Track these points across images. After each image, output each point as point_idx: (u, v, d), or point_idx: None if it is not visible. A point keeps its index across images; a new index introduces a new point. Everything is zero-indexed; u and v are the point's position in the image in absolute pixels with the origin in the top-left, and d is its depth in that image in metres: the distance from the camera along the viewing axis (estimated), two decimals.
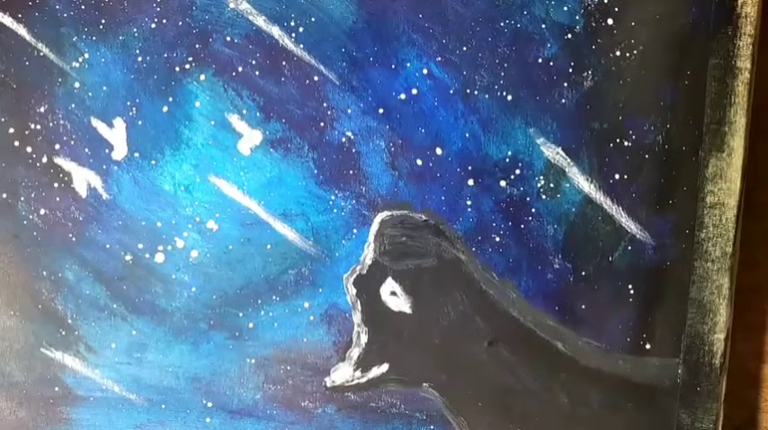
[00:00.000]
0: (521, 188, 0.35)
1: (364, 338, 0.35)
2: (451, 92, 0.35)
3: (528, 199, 0.35)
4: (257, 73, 0.35)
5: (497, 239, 0.35)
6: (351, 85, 0.35)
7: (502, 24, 0.35)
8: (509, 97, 0.35)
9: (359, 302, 0.35)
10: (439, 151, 0.35)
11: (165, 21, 0.35)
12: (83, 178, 0.35)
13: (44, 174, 0.35)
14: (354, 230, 0.35)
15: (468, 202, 0.35)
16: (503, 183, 0.35)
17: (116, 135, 0.35)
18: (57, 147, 0.35)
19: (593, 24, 0.35)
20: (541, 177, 0.35)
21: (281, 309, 0.35)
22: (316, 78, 0.35)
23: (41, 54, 0.35)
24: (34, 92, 0.35)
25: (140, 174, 0.35)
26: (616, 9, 0.34)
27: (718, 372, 0.35)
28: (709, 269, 0.35)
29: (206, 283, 0.35)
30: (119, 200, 0.35)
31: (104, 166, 0.35)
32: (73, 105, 0.35)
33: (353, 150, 0.35)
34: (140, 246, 0.35)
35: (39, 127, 0.35)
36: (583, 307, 0.35)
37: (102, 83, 0.35)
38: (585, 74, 0.35)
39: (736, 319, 0.36)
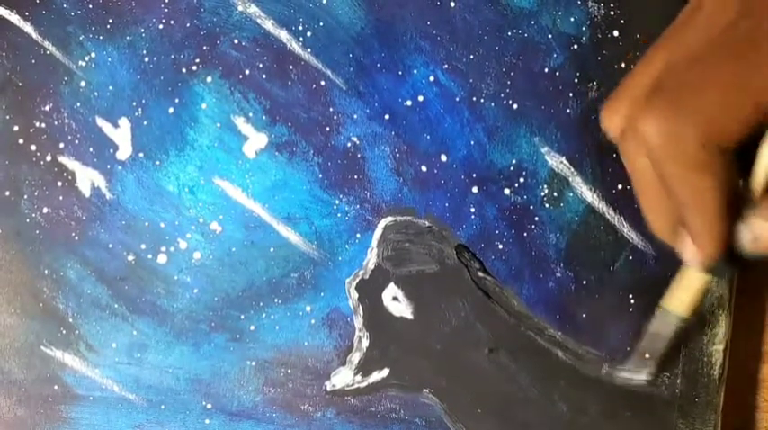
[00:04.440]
0: (524, 196, 0.35)
1: (365, 343, 0.35)
2: (458, 99, 0.35)
3: (531, 207, 0.35)
4: (264, 76, 0.35)
5: (500, 247, 0.35)
6: (357, 91, 0.35)
7: (509, 33, 0.35)
8: (515, 106, 0.35)
9: (361, 307, 0.35)
10: (444, 158, 0.35)
11: (172, 22, 0.35)
12: (86, 177, 0.35)
13: (48, 173, 0.35)
14: (358, 235, 0.35)
15: (472, 209, 0.35)
16: (507, 191, 0.35)
17: (121, 135, 0.35)
18: (61, 145, 0.35)
19: (599, 36, 0.35)
20: (545, 186, 0.35)
21: (282, 311, 0.35)
22: (322, 83, 0.35)
23: (48, 52, 0.35)
24: (39, 90, 0.35)
25: (144, 175, 0.35)
26: (622, 21, 0.35)
27: (716, 383, 0.35)
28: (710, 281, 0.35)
29: (208, 285, 0.35)
30: (122, 200, 0.35)
31: (108, 166, 0.35)
32: (78, 104, 0.35)
33: (358, 155, 0.35)
34: (143, 246, 0.35)
35: (43, 125, 0.35)
36: (584, 315, 0.36)
37: (108, 82, 0.35)
38: (590, 84, 0.35)
39: (736, 319, 0.36)
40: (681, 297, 0.31)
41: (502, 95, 0.35)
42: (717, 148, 0.25)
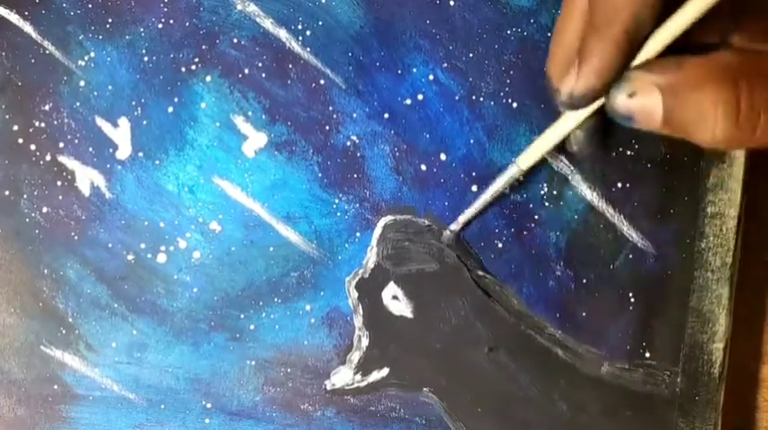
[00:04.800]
0: (524, 195, 0.35)
1: (365, 342, 0.35)
2: (457, 98, 0.35)
3: (531, 206, 0.35)
4: (263, 75, 0.35)
5: (500, 246, 0.35)
6: (357, 90, 0.35)
7: (509, 32, 0.35)
8: (514, 104, 0.35)
9: (360, 306, 0.35)
10: (443, 157, 0.35)
11: (172, 21, 0.35)
12: (86, 177, 0.35)
13: (47, 172, 0.35)
14: (357, 234, 0.35)
15: None
16: (506, 190, 0.35)
17: (120, 134, 0.35)
18: (60, 145, 0.35)
19: None
20: (545, 184, 0.35)
21: (282, 311, 0.35)
22: (322, 82, 0.35)
23: (47, 52, 0.35)
24: (39, 90, 0.35)
25: (144, 174, 0.35)
26: None
27: (716, 382, 0.35)
28: (709, 279, 0.35)
29: (207, 284, 0.35)
30: (122, 199, 0.35)
31: (108, 166, 0.35)
32: (78, 104, 0.35)
33: (358, 154, 0.35)
34: (142, 245, 0.35)
35: (43, 125, 0.35)
36: (583, 314, 0.36)
37: (107, 82, 0.35)
38: None
39: (736, 319, 0.36)
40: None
41: (501, 94, 0.35)
42: None
